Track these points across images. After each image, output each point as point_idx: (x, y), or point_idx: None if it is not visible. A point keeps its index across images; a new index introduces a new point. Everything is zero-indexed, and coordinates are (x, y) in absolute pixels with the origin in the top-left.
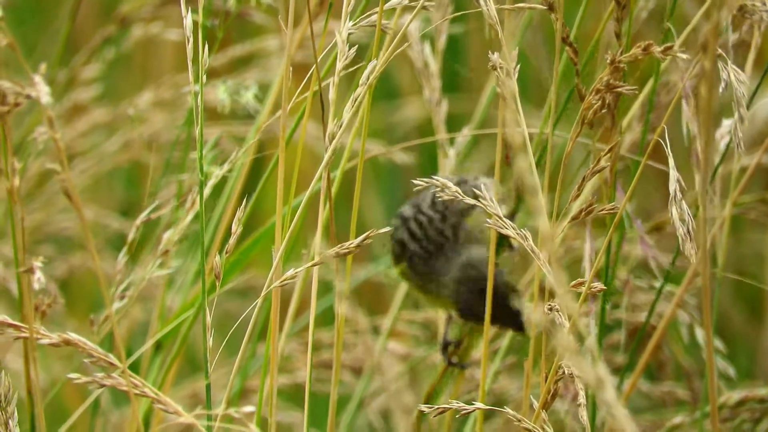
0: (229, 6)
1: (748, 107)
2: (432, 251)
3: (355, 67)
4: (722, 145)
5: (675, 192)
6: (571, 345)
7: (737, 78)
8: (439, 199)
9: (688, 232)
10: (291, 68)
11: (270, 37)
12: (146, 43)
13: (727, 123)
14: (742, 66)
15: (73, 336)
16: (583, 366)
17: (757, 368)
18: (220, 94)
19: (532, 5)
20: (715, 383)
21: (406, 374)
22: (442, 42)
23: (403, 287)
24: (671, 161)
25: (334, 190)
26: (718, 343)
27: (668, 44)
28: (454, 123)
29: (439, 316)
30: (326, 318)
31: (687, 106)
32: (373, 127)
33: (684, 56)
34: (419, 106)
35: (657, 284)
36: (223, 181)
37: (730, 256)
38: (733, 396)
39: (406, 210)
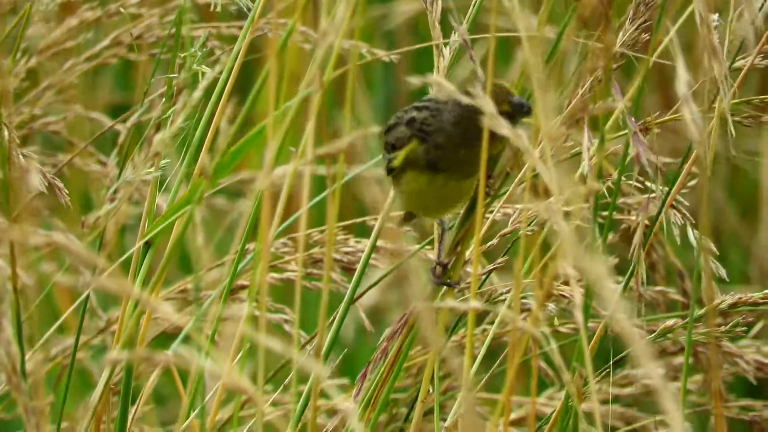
0: None
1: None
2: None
3: None
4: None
5: (685, 93)
6: (572, 242)
7: None
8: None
9: (701, 134)
10: None
11: None
12: None
13: (713, 18)
14: None
15: (59, 238)
16: (584, 263)
17: (750, 269)
18: None
19: None
20: (710, 285)
21: (395, 272)
22: None
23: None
24: (680, 61)
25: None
26: (710, 245)
27: None
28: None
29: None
30: (315, 216)
31: None
32: (363, 29)
33: None
34: (411, 7)
35: (651, 185)
36: (213, 82)
37: (725, 156)
38: (726, 300)
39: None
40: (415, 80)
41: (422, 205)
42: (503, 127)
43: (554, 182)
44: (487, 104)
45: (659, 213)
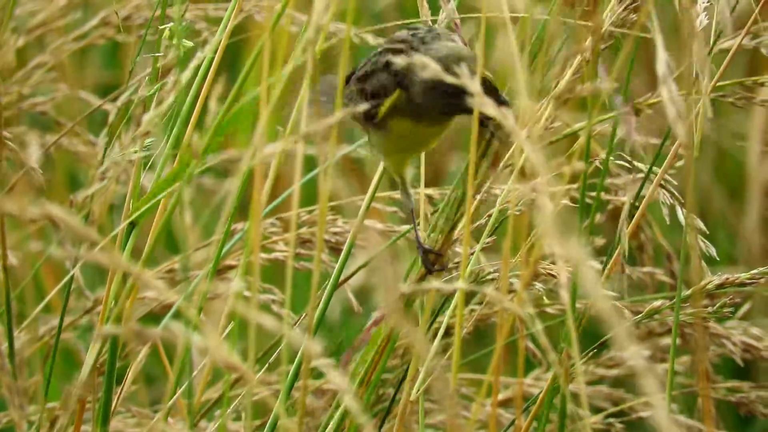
0: None
1: None
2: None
3: None
4: (697, 24)
5: (664, 72)
6: (547, 222)
7: None
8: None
9: (679, 113)
10: None
11: None
12: None
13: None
14: None
15: (54, 209)
16: (563, 244)
17: (737, 251)
18: None
19: None
20: (699, 265)
21: (384, 252)
22: None
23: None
24: (659, 40)
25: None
26: (699, 224)
27: None
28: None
29: (420, 192)
30: (304, 196)
31: None
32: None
33: None
34: None
35: (639, 165)
36: (201, 61)
37: (712, 137)
38: (714, 280)
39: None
40: (399, 60)
41: (398, 149)
42: (490, 107)
43: (539, 162)
44: (473, 85)
45: (640, 191)
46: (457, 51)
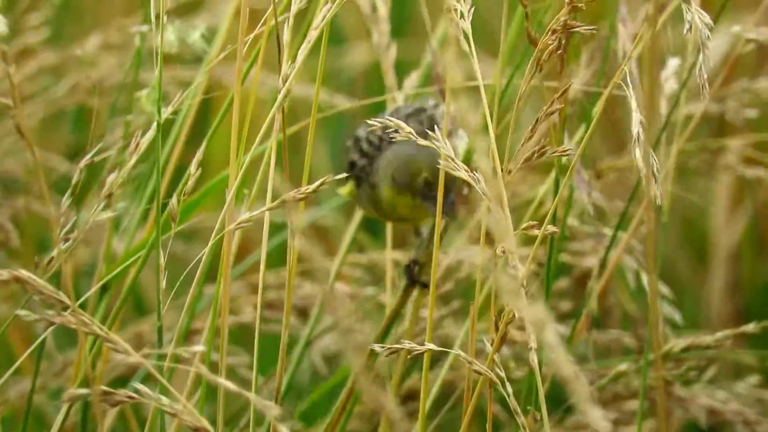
0: None
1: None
2: (375, 156)
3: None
4: (667, 88)
5: (638, 133)
6: (512, 287)
7: (702, 20)
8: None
9: (653, 173)
10: (237, 11)
11: None
12: None
13: (673, 63)
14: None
15: (23, 273)
16: (524, 307)
17: (702, 316)
18: (168, 34)
19: None
20: (660, 328)
21: (355, 313)
22: None
23: (349, 230)
24: (633, 103)
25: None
26: (664, 289)
27: None
28: (403, 68)
29: (386, 257)
30: (270, 260)
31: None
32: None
33: None
34: (365, 51)
35: (604, 230)
36: (169, 124)
37: (676, 203)
38: (679, 343)
39: (360, 131)
40: (373, 122)
41: (382, 216)
42: (460, 170)
43: (505, 226)
44: (446, 148)
45: (606, 256)
46: (410, 158)
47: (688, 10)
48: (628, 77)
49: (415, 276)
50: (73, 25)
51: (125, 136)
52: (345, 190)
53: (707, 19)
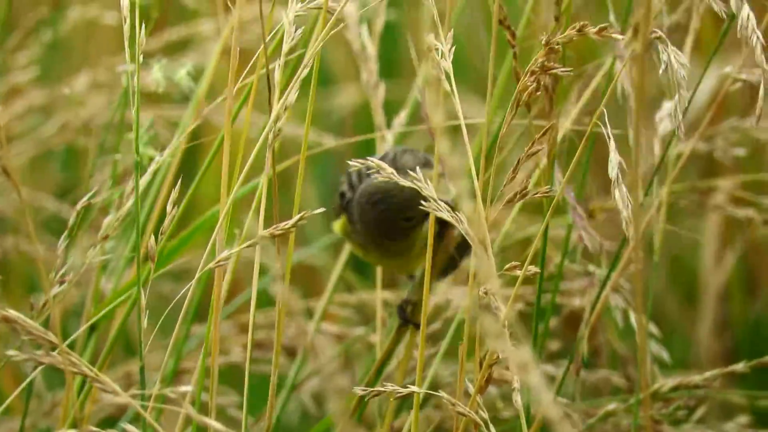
0: None
1: (690, 91)
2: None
3: (296, 53)
4: (661, 129)
5: (617, 175)
6: (495, 329)
7: (677, 60)
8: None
9: (631, 215)
10: (226, 51)
11: (205, 21)
12: (85, 26)
13: (667, 106)
14: (680, 49)
15: (12, 313)
16: (508, 349)
17: (691, 356)
18: (154, 72)
19: None
20: (648, 367)
21: (340, 356)
22: (379, 24)
23: (336, 270)
24: (612, 144)
25: (271, 173)
26: (653, 328)
27: (603, 25)
28: (391, 108)
29: (376, 296)
30: (260, 300)
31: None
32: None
33: (619, 37)
34: (355, 91)
35: (593, 269)
36: (158, 164)
37: (666, 242)
38: (668, 383)
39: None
40: (356, 163)
41: (374, 262)
42: (443, 212)
43: (491, 268)
44: (429, 189)
45: (598, 296)
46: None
47: (665, 50)
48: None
49: (407, 316)
50: (62, 64)
51: (113, 176)
52: (338, 225)
53: (683, 59)
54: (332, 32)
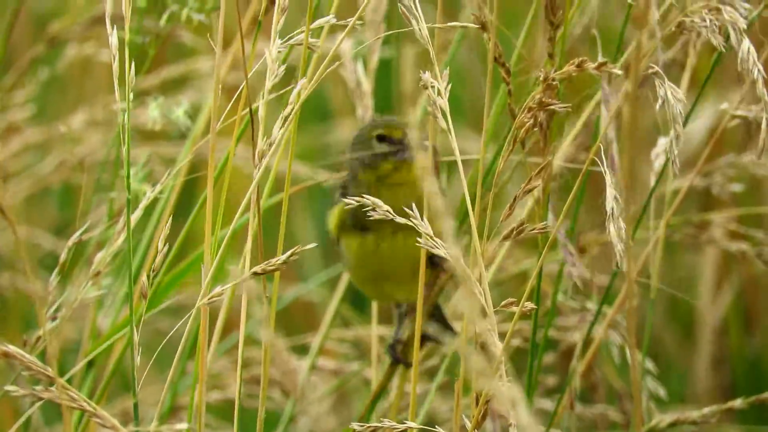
0: (160, 25)
1: (684, 126)
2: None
3: (287, 88)
4: (657, 165)
5: (612, 209)
6: (483, 367)
7: (674, 95)
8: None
9: (625, 249)
10: (221, 88)
11: (203, 58)
12: (82, 64)
13: (662, 142)
14: (676, 85)
15: (11, 348)
16: (497, 387)
17: (689, 391)
18: (151, 110)
19: (464, 24)
20: (645, 403)
21: (332, 394)
22: (374, 61)
23: (333, 305)
24: (608, 178)
25: (263, 210)
26: (649, 365)
27: (602, 60)
28: None
29: (372, 333)
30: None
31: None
32: (307, 148)
33: (619, 72)
34: (352, 126)
35: (589, 305)
36: (155, 201)
37: (663, 278)
38: (666, 418)
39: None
40: (348, 201)
41: (367, 281)
42: (439, 248)
43: (474, 308)
44: (425, 226)
45: (589, 331)
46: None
47: (661, 85)
48: (611, 153)
49: (398, 355)
50: (59, 102)
51: (110, 214)
52: (332, 219)
53: (680, 94)
54: (326, 71)
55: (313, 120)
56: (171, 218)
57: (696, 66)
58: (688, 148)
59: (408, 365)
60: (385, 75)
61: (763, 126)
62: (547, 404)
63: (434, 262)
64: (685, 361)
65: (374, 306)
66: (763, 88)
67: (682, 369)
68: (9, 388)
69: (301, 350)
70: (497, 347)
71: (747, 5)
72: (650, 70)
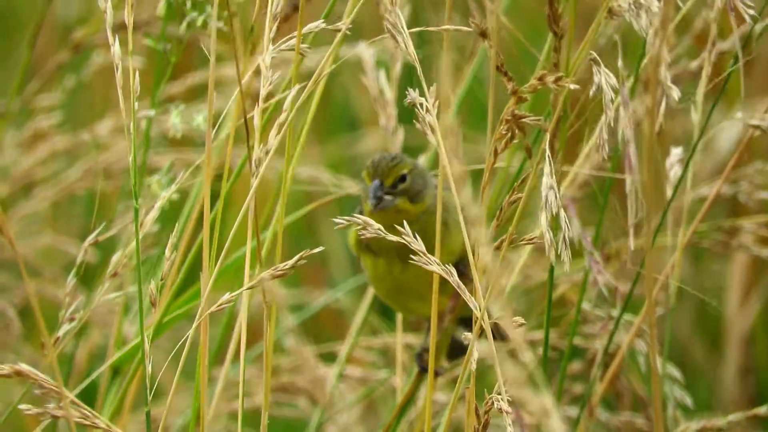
0: (181, 31)
1: (702, 136)
2: None
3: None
4: (671, 175)
5: (546, 197)
6: (516, 375)
7: (608, 82)
8: None
9: (564, 242)
10: (246, 94)
11: (228, 65)
12: (108, 71)
13: (676, 152)
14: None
15: (24, 367)
16: (528, 396)
17: (715, 400)
18: (172, 117)
19: (457, 27)
20: (671, 411)
21: (360, 402)
22: (397, 69)
23: (361, 313)
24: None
25: (288, 220)
26: (676, 373)
27: (558, 74)
28: (412, 153)
29: (397, 341)
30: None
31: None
32: (335, 158)
33: (573, 87)
34: (380, 136)
35: (615, 313)
36: (178, 206)
37: (690, 287)
38: (692, 426)
39: None
40: (339, 220)
41: (389, 297)
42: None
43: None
44: (417, 243)
45: (610, 339)
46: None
47: (598, 72)
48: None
49: (426, 364)
50: (85, 109)
51: (135, 219)
52: (351, 235)
53: (613, 80)
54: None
55: (341, 130)
56: (176, 225)
57: (711, 76)
58: (716, 157)
59: (437, 374)
60: (410, 84)
61: None
62: (574, 412)
63: (460, 271)
64: (713, 369)
65: (401, 314)
66: None
67: (709, 377)
68: (22, 406)
69: (329, 358)
70: (525, 357)
71: None
72: (589, 57)
